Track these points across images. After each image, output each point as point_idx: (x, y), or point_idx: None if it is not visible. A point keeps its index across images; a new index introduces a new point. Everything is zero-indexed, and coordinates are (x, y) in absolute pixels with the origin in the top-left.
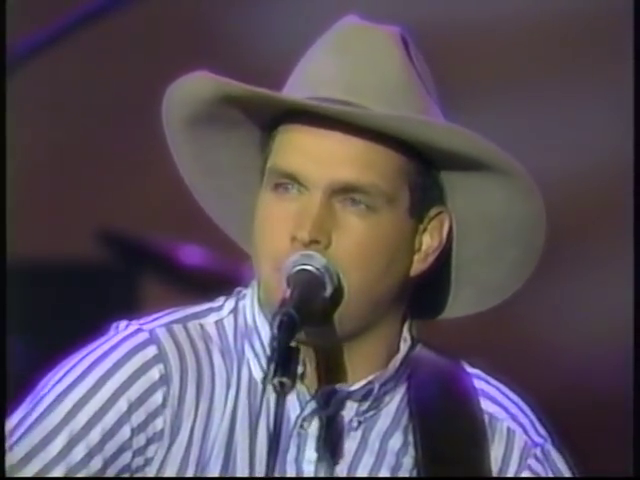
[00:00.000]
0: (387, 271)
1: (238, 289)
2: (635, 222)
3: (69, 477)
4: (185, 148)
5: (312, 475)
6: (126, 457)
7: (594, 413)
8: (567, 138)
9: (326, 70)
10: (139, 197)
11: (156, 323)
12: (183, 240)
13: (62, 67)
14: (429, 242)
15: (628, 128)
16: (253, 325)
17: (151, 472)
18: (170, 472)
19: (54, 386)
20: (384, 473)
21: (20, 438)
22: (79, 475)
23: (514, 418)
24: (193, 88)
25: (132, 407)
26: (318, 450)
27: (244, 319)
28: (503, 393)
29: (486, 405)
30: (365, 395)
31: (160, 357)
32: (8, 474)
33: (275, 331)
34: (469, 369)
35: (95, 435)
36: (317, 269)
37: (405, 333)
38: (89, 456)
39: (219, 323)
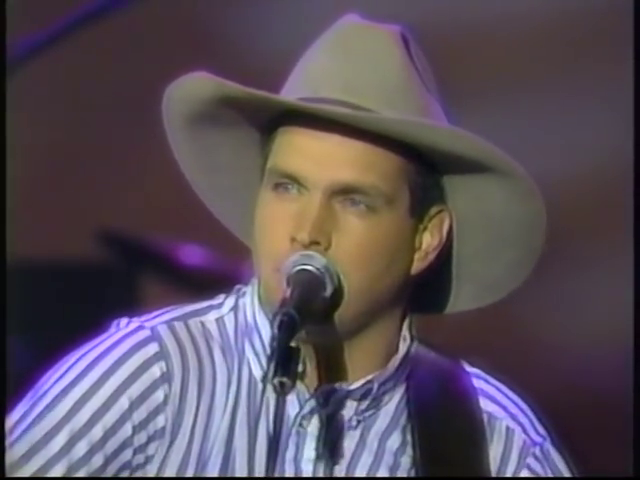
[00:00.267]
0: (387, 271)
1: (238, 286)
2: (635, 222)
3: (69, 477)
4: (185, 146)
5: (311, 474)
6: (127, 454)
7: (594, 413)
8: (567, 138)
9: (326, 70)
10: (139, 197)
11: (157, 320)
12: (183, 240)
13: (62, 67)
14: (429, 241)
15: (628, 128)
16: (253, 323)
17: (152, 470)
18: (171, 470)
19: (55, 383)
20: (382, 473)
21: (21, 435)
22: (80, 471)
23: (513, 417)
24: (192, 88)
25: (133, 404)
26: (317, 449)
27: (244, 317)
28: (502, 392)
29: (485, 404)
30: (364, 394)
31: (161, 354)
32: (9, 471)
33: (275, 331)
34: (468, 368)
35: (97, 432)
36: (317, 269)
37: (405, 332)
38: (90, 453)
39: (220, 321)
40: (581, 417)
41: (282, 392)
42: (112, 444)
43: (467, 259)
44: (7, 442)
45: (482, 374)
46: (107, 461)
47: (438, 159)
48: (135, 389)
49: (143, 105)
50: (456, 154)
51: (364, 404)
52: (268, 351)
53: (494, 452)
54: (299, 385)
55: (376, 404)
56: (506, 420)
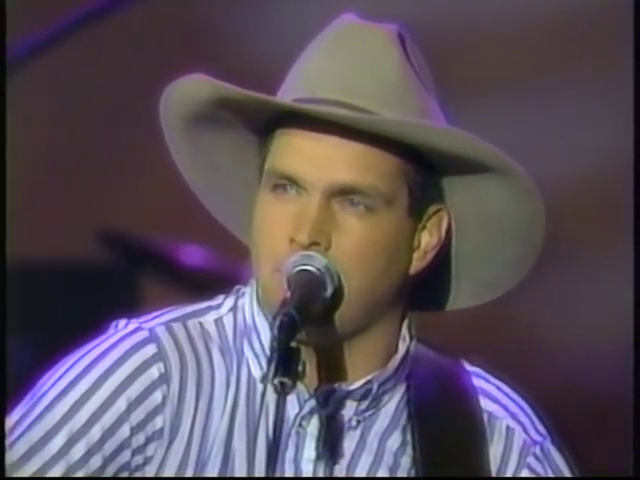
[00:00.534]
0: (387, 271)
1: (237, 287)
2: (635, 222)
3: (69, 477)
4: (183, 147)
5: (311, 474)
6: (125, 455)
7: (594, 413)
8: (567, 138)
9: (323, 70)
10: (139, 197)
11: (155, 322)
12: (183, 240)
13: (62, 67)
14: (428, 240)
15: (628, 128)
16: (252, 324)
17: (151, 471)
18: (170, 470)
19: (54, 384)
20: (382, 473)
21: (20, 436)
22: (79, 473)
23: (513, 416)
24: (189, 90)
25: (131, 406)
26: (317, 449)
27: (243, 318)
28: (503, 391)
29: (485, 404)
30: (364, 394)
31: (160, 356)
32: (8, 472)
33: (276, 331)
34: (469, 367)
35: (95, 433)
36: (318, 269)
37: (404, 332)
38: (89, 454)
39: (218, 321)
40: (581, 417)
41: (283, 392)
42: (110, 445)
43: (466, 257)
44: (7, 443)
45: (482, 373)
46: (105, 462)
47: (437, 159)
48: (133, 390)
49: (143, 105)
50: (454, 154)
51: (364, 404)
52: (267, 351)
53: (494, 451)
54: (299, 385)
55: (376, 404)
56: (506, 419)
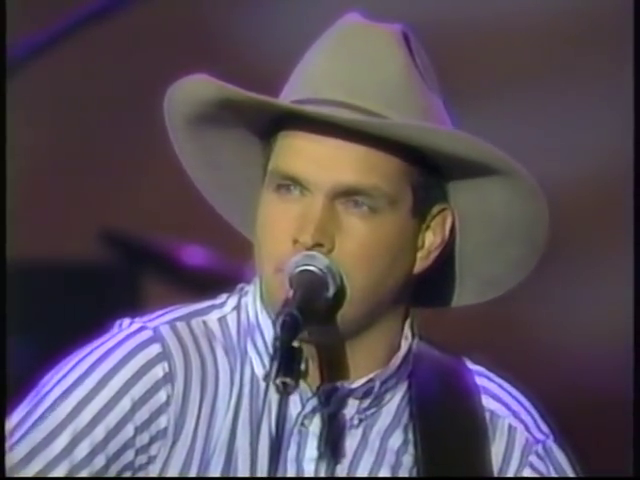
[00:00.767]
0: (390, 271)
1: (240, 286)
2: (635, 222)
3: (71, 477)
4: (187, 145)
5: (313, 474)
6: (129, 455)
7: (594, 412)
8: (567, 139)
9: (327, 70)
10: (141, 197)
11: (159, 321)
12: (185, 240)
13: (62, 67)
14: (432, 239)
15: (628, 128)
16: (255, 323)
17: (154, 470)
18: (173, 470)
19: (57, 384)
20: (384, 472)
21: (23, 436)
22: (82, 472)
23: (516, 415)
24: (193, 90)
25: (136, 405)
26: (319, 448)
27: (247, 316)
28: (505, 390)
29: (487, 402)
30: (366, 393)
31: (164, 355)
32: (10, 471)
33: (278, 331)
34: (471, 366)
35: (99, 433)
36: (320, 269)
37: (406, 330)
38: (92, 454)
39: (222, 320)
40: (581, 416)
41: (285, 392)
42: (114, 445)
43: (469, 256)
44: (9, 443)
45: (485, 372)
46: (109, 462)
47: (441, 161)
48: (137, 390)
49: (144, 106)
50: (458, 156)
51: (366, 402)
52: (270, 350)
53: (496, 450)
54: (301, 384)
55: (378, 402)
56: (508, 418)
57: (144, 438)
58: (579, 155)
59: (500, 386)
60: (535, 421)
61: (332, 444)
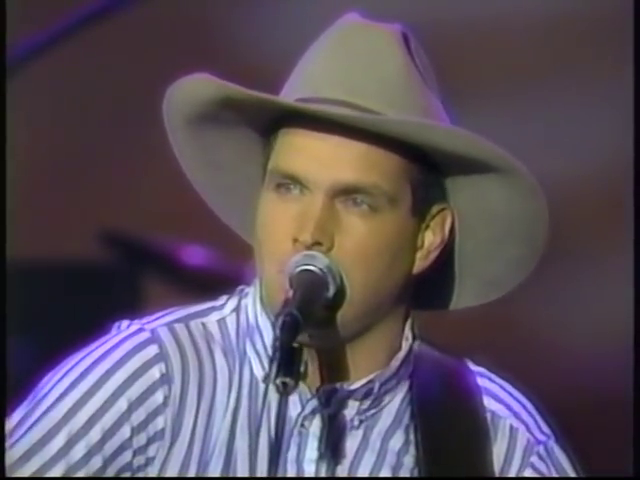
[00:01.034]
0: (390, 271)
1: (241, 287)
2: (635, 222)
3: (69, 477)
4: (186, 145)
5: (313, 475)
6: (127, 456)
7: (594, 412)
8: (567, 138)
9: (326, 69)
10: (141, 197)
11: (158, 322)
12: (185, 240)
13: (62, 68)
14: (431, 239)
15: (628, 128)
16: (255, 324)
17: (153, 471)
18: (172, 471)
19: (55, 385)
20: (385, 472)
21: (21, 437)
22: (79, 474)
23: (517, 416)
24: (193, 89)
25: (132, 406)
26: (319, 449)
27: (246, 318)
28: (506, 391)
29: (489, 403)
30: (366, 394)
31: (161, 356)
32: (8, 472)
33: (278, 331)
34: (473, 367)
35: (95, 434)
36: (320, 269)
37: (407, 332)
38: (89, 455)
39: (221, 322)
40: (581, 416)
41: (285, 392)
42: (111, 446)
43: (469, 256)
44: (8, 443)
45: (486, 373)
46: (106, 463)
47: (439, 158)
48: (134, 391)
49: (144, 105)
50: (457, 154)
51: (366, 404)
52: (269, 351)
53: (497, 451)
54: (301, 385)
55: (377, 404)
56: (510, 419)
57: (141, 439)
58: (579, 155)
59: (501, 387)
60: (536, 422)
61: (332, 445)
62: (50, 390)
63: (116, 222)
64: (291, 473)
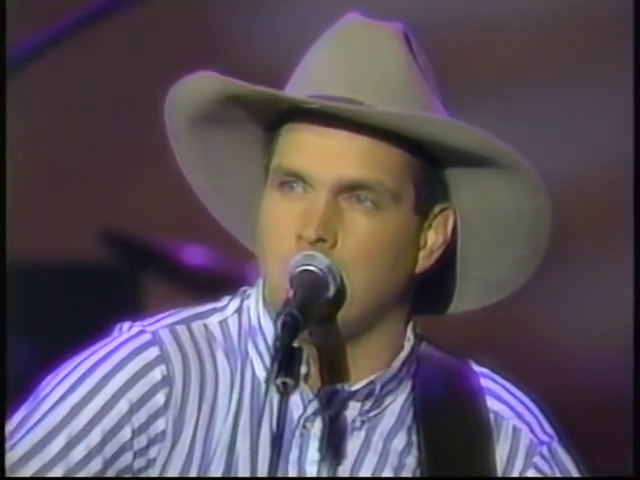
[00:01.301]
0: (393, 269)
1: (243, 288)
2: (635, 222)
3: (69, 477)
4: (188, 147)
5: (314, 476)
6: (127, 458)
7: (594, 412)
8: (567, 138)
9: (329, 68)
10: (141, 197)
11: (159, 324)
12: (186, 240)
13: (62, 68)
14: (434, 238)
15: (628, 128)
16: (258, 325)
17: (154, 473)
18: (173, 473)
19: (55, 387)
20: (387, 473)
21: (21, 438)
22: (79, 475)
23: (520, 417)
24: (198, 87)
25: (133, 408)
26: (320, 450)
27: (248, 319)
28: (510, 392)
29: (492, 404)
30: (368, 395)
31: (162, 358)
32: (8, 473)
33: (278, 331)
34: (476, 368)
35: (95, 436)
36: (320, 269)
37: (409, 333)
38: (89, 457)
39: (223, 323)
40: (581, 416)
41: (285, 392)
42: (111, 448)
43: (472, 257)
44: (8, 445)
45: (490, 374)
46: (106, 465)
47: (441, 154)
48: (135, 393)
49: (145, 106)
50: (458, 147)
51: (368, 405)
52: (272, 352)
53: (500, 451)
54: (303, 386)
55: (379, 404)
56: (513, 419)
57: (142, 441)
58: (579, 156)
59: (505, 388)
60: (540, 423)
61: (334, 446)
62: (51, 392)
63: (116, 222)
64: (293, 474)
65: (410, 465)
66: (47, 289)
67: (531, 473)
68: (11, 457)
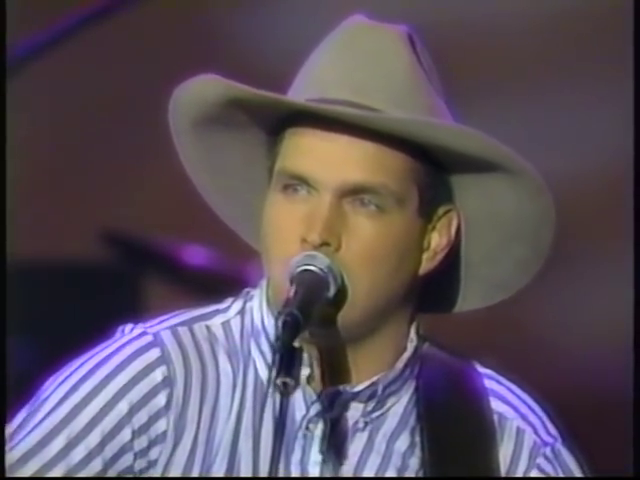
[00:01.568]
0: (396, 272)
1: (246, 290)
2: (635, 222)
3: (69, 477)
4: (191, 149)
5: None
6: (128, 459)
7: (594, 412)
8: (567, 138)
9: (333, 71)
10: (142, 197)
11: (161, 326)
12: (186, 240)
13: (62, 67)
14: (438, 241)
15: (628, 128)
16: (261, 326)
17: (156, 474)
18: (175, 474)
19: (56, 388)
20: (390, 474)
21: (21, 439)
22: (79, 475)
23: (524, 417)
24: (201, 90)
25: (133, 409)
26: (323, 452)
27: (251, 320)
28: (514, 393)
29: (496, 404)
30: (370, 396)
31: (163, 359)
32: (7, 474)
33: (279, 331)
34: (480, 369)
35: (95, 437)
36: (320, 269)
37: (412, 334)
38: (88, 458)
39: (226, 324)
40: (581, 416)
41: (285, 392)
42: (111, 449)
43: (475, 259)
44: (8, 446)
45: (494, 375)
46: (106, 466)
47: (445, 158)
48: (135, 394)
49: (146, 106)
50: (462, 152)
51: (370, 406)
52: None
53: (504, 452)
54: (306, 388)
55: (382, 405)
56: (517, 420)
57: (142, 442)
58: (579, 156)
59: (509, 389)
60: (544, 424)
61: (337, 448)
62: (51, 393)
63: (116, 222)
64: (295, 476)
65: (413, 466)
66: (47, 289)
67: (534, 474)
68: (11, 457)
